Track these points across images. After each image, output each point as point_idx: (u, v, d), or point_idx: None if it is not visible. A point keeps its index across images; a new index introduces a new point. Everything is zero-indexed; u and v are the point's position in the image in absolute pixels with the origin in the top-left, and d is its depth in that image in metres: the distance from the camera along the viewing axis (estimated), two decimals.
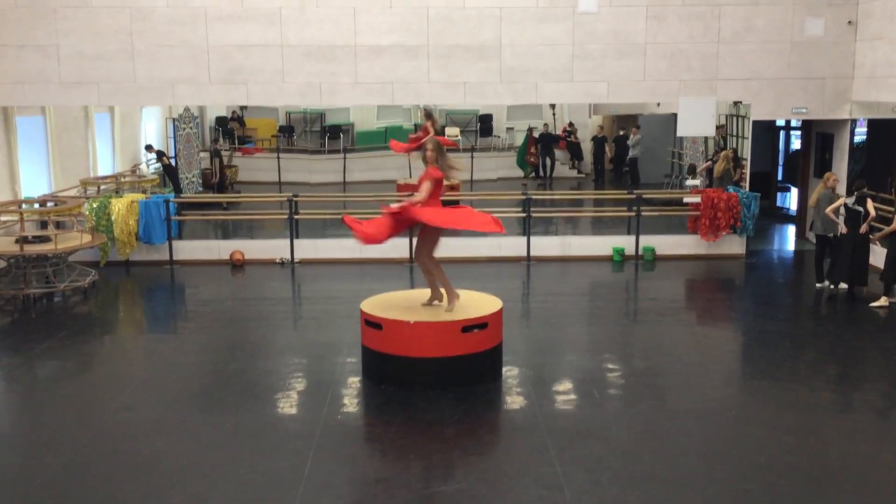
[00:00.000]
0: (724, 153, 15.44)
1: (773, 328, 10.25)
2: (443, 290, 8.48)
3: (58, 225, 12.28)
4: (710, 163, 15.96)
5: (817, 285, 12.03)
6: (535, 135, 21.57)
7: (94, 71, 13.48)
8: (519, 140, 22.43)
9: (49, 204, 12.87)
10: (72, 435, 7.11)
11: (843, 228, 11.32)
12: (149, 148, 17.85)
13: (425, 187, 7.98)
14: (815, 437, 7.11)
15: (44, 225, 12.47)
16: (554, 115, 22.38)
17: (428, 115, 14.65)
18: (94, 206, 13.33)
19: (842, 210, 11.35)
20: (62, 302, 11.67)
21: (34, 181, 14.25)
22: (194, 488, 6.20)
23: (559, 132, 22.14)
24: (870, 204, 11.14)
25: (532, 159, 21.42)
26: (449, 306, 8.34)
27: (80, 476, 6.42)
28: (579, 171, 22.09)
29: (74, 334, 10.11)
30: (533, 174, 21.43)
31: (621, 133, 20.49)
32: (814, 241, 12.43)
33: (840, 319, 11.02)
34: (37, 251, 11.55)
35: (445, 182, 8.57)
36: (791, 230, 16.25)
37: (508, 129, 22.97)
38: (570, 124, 22.08)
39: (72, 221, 12.23)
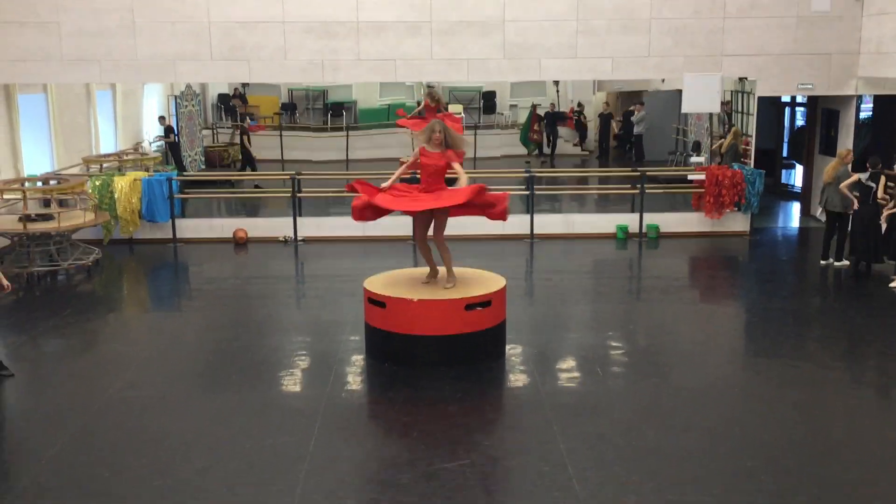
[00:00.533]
0: (733, 129, 15.32)
1: (777, 305, 10.24)
2: (441, 268, 8.55)
3: (61, 203, 12.27)
4: (723, 140, 15.81)
5: (821, 262, 12.02)
6: (540, 112, 21.47)
7: (96, 48, 13.41)
8: (522, 117, 22.35)
9: (52, 182, 12.86)
10: (77, 411, 7.14)
11: (855, 204, 11.27)
12: (161, 119, 17.82)
13: (461, 171, 8.24)
14: (818, 414, 7.12)
15: (47, 203, 12.46)
16: (558, 91, 22.27)
17: (434, 97, 14.24)
18: (97, 184, 13.31)
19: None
20: (66, 280, 11.69)
21: (37, 159, 14.23)
22: (199, 464, 6.23)
23: (566, 110, 22.09)
24: (881, 182, 11.11)
25: (535, 136, 21.34)
26: (450, 283, 8.39)
27: (86, 452, 6.45)
28: (583, 149, 22.04)
29: (78, 312, 10.13)
30: (536, 151, 21.35)
31: (631, 108, 20.35)
32: (820, 217, 12.36)
33: (844, 296, 11.01)
34: (40, 229, 11.55)
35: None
36: (796, 207, 16.19)
37: (512, 106, 22.87)
38: (579, 104, 22.00)
39: (75, 199, 12.22)
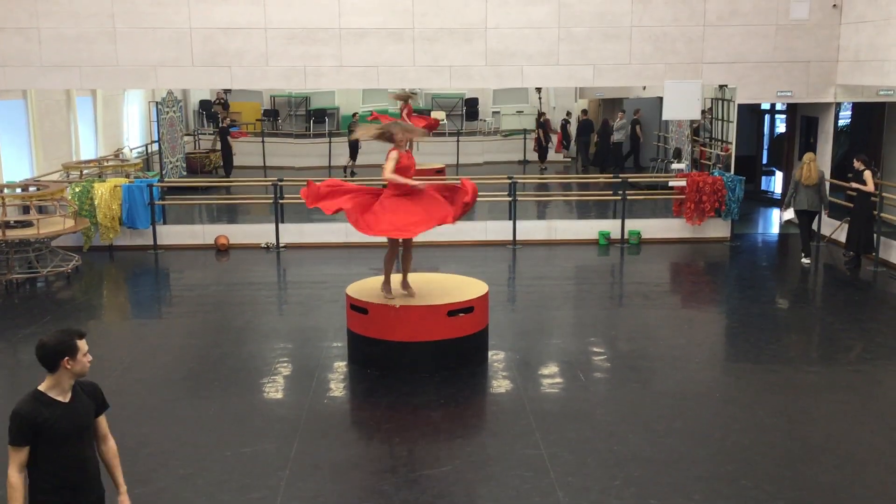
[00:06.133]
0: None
1: (757, 311, 10.31)
2: (393, 276, 8.42)
3: (40, 209, 12.19)
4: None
5: (804, 260, 12.45)
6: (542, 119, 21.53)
7: (76, 53, 13.33)
8: (505, 124, 22.46)
9: (31, 188, 12.77)
10: None
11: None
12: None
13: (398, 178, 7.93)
14: (798, 418, 7.17)
15: (26, 210, 12.36)
16: (540, 98, 22.39)
17: (404, 97, 14.32)
18: (77, 190, 13.22)
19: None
20: (45, 287, 11.60)
21: (16, 165, 14.13)
22: (180, 471, 6.20)
23: (548, 118, 22.22)
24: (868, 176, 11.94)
25: (535, 146, 21.43)
26: (406, 290, 8.27)
27: None
28: (564, 156, 22.18)
29: (58, 319, 10.04)
30: (537, 159, 21.42)
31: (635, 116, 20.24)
32: (792, 218, 12.77)
33: (823, 302, 11.10)
34: (19, 236, 11.45)
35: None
36: (776, 213, 16.31)
37: (494, 112, 22.96)
38: (568, 114, 22.15)
39: (54, 206, 12.13)
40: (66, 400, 4.13)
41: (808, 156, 12.52)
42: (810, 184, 12.16)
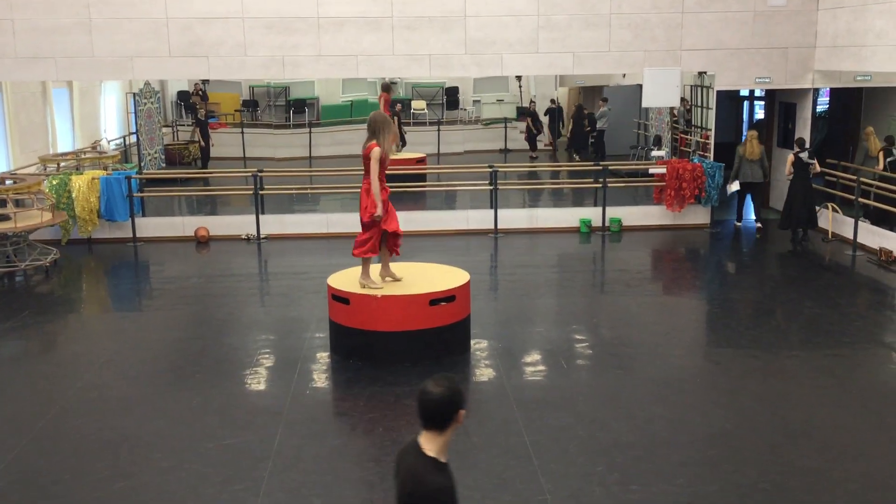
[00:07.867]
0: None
1: (737, 297, 10.38)
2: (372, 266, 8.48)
3: (17, 203, 12.05)
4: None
5: (737, 223, 14.26)
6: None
7: (51, 45, 13.17)
8: (486, 113, 22.42)
9: (8, 182, 12.62)
10: (36, 414, 7.03)
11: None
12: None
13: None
14: (778, 403, 7.23)
15: (3, 203, 12.22)
16: (520, 87, 22.36)
17: (385, 87, 14.80)
18: (54, 183, 13.09)
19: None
20: (24, 281, 11.48)
21: None
22: (162, 464, 6.17)
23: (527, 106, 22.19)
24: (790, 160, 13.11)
25: (525, 134, 21.37)
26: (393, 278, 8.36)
27: (46, 456, 6.35)
28: (546, 145, 22.18)
29: (37, 313, 9.96)
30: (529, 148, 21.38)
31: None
32: (734, 189, 13.93)
33: (801, 287, 11.18)
34: None
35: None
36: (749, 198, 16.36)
37: (475, 101, 22.93)
38: (554, 101, 22.16)
39: (31, 199, 12.00)
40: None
41: (750, 133, 13.94)
42: (753, 158, 13.57)
